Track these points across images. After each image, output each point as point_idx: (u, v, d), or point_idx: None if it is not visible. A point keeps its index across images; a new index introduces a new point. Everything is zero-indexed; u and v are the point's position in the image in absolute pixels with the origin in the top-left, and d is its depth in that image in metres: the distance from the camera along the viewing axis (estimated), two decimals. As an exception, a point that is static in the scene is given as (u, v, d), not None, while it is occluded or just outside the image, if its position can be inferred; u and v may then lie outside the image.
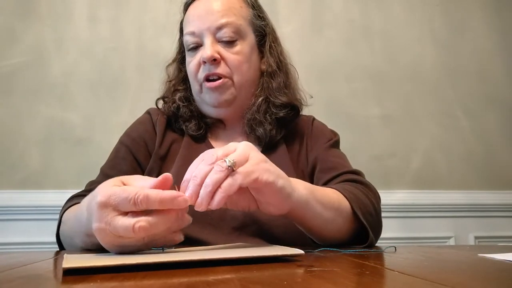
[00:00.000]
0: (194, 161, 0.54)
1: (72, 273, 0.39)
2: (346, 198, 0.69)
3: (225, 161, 0.51)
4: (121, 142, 0.89)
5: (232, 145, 0.55)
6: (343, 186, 0.74)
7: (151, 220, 0.46)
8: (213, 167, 0.51)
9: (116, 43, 1.59)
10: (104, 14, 1.60)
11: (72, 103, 1.52)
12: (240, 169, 0.52)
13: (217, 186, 0.50)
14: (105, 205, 0.47)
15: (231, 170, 0.51)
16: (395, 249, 0.62)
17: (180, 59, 0.94)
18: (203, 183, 0.50)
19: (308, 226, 0.66)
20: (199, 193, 0.50)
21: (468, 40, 1.82)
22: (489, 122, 1.78)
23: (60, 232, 0.73)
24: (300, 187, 0.61)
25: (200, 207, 0.50)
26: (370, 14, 1.78)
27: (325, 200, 0.65)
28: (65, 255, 0.49)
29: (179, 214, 0.49)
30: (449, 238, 1.64)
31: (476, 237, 1.65)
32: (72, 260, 0.43)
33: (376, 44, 1.76)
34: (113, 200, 0.46)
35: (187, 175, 0.53)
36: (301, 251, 0.49)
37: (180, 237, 0.52)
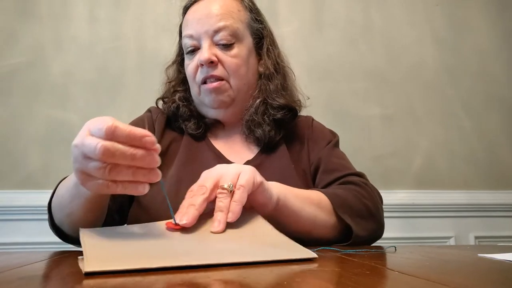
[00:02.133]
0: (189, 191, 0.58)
1: (74, 272, 0.39)
2: (327, 197, 0.71)
3: (224, 187, 0.57)
4: None
5: (214, 172, 0.59)
6: (329, 189, 0.77)
7: (116, 146, 0.45)
8: (206, 196, 0.56)
9: (115, 43, 1.59)
10: (103, 14, 1.60)
11: (72, 103, 1.52)
12: (240, 183, 0.57)
13: (228, 208, 0.55)
14: (86, 126, 0.49)
15: (233, 192, 0.57)
16: (395, 249, 0.62)
17: (180, 61, 0.95)
18: (201, 208, 0.54)
19: (291, 224, 0.66)
20: (196, 217, 0.53)
21: (469, 39, 1.82)
22: (490, 122, 1.78)
23: (52, 201, 0.72)
24: (275, 186, 0.65)
25: (219, 227, 0.53)
26: (371, 14, 1.78)
27: (303, 197, 0.68)
28: (81, 231, 0.50)
29: (147, 159, 0.47)
30: (449, 238, 1.64)
31: (476, 237, 1.65)
32: (92, 263, 0.40)
33: (377, 44, 1.76)
34: (91, 123, 0.49)
35: (184, 203, 0.56)
36: (314, 254, 0.47)
37: (145, 189, 0.49)
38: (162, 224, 0.55)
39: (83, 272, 0.37)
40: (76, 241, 0.73)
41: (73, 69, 1.55)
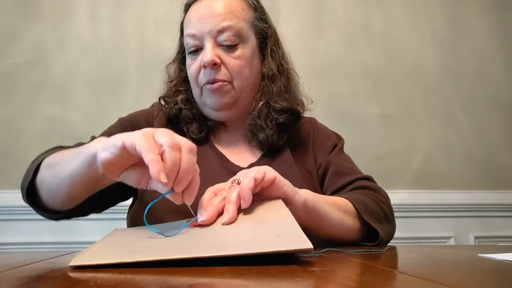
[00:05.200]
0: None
1: (74, 271, 0.40)
2: (351, 202, 0.72)
3: (233, 181, 0.58)
4: (119, 120, 0.90)
5: (234, 177, 0.61)
6: (350, 194, 0.77)
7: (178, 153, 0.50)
8: (224, 195, 0.57)
9: (117, 42, 1.59)
10: (105, 13, 1.60)
11: (73, 102, 1.52)
12: (246, 172, 0.58)
13: (238, 199, 0.55)
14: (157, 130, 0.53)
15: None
16: (395, 249, 0.62)
17: (181, 59, 0.93)
18: (219, 207, 0.56)
19: (322, 229, 0.67)
20: (214, 215, 0.55)
21: (468, 40, 1.82)
22: (489, 122, 1.78)
23: (38, 178, 0.69)
24: (304, 190, 0.64)
25: (227, 218, 0.54)
26: (371, 14, 1.78)
27: (330, 202, 0.68)
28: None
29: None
30: (449, 238, 1.64)
31: (476, 237, 1.65)
32: (80, 258, 0.44)
33: (377, 44, 1.76)
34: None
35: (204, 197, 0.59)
36: (309, 245, 0.44)
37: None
38: (183, 222, 0.58)
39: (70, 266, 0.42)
40: (46, 210, 0.70)
41: (75, 68, 1.55)
